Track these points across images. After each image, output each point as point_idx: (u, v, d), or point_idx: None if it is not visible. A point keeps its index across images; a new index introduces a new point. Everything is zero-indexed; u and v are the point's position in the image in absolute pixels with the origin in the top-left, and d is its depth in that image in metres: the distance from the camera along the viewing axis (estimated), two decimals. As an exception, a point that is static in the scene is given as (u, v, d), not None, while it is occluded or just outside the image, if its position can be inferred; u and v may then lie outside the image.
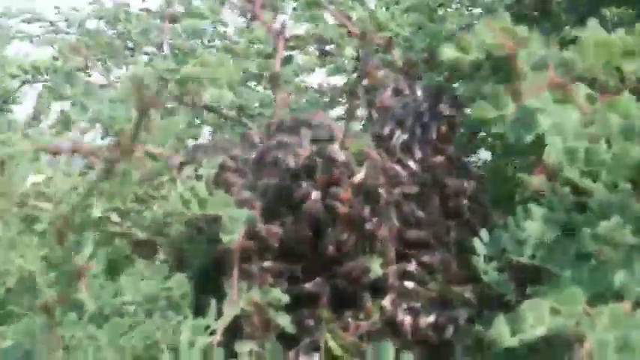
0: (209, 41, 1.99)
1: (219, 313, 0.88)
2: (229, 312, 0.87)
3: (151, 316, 0.85)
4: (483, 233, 1.01)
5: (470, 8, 2.26)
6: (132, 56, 1.92)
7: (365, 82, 0.99)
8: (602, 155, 0.82)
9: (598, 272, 0.68)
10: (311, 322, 0.98)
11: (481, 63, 0.57)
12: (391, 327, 1.00)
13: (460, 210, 1.08)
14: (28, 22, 2.31)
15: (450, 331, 0.99)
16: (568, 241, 0.78)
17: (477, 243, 1.00)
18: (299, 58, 1.62)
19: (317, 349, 0.98)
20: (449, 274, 1.04)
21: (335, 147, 0.94)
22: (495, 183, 1.36)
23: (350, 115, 0.91)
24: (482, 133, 1.56)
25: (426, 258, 1.03)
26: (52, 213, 1.11)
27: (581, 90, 0.59)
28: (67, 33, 2.43)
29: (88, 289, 0.79)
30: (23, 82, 1.76)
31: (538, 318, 0.61)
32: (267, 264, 0.96)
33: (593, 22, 0.61)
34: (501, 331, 0.60)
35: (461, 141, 1.37)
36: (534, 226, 0.78)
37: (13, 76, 1.67)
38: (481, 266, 1.00)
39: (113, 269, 1.00)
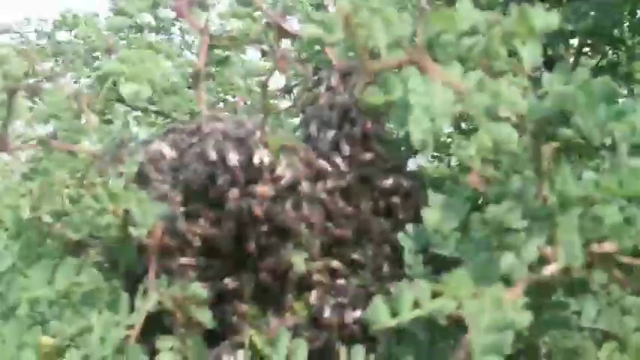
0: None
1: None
2: (143, 307, 0.86)
3: (63, 312, 0.85)
4: (410, 227, 1.01)
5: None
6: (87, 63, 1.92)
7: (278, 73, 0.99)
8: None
9: (488, 258, 0.68)
10: (235, 319, 0.97)
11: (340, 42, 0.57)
12: (317, 323, 0.99)
13: (392, 208, 1.08)
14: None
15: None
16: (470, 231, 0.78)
17: (402, 237, 1.01)
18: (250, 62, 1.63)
19: (242, 346, 0.97)
20: (377, 270, 1.03)
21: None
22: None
23: (266, 110, 0.91)
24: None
25: (351, 254, 1.02)
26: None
27: (456, 69, 0.58)
28: (38, 45, 2.44)
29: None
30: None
31: (417, 299, 0.60)
32: (186, 260, 0.95)
33: (464, 1, 0.60)
34: (380, 312, 0.60)
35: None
36: (433, 214, 0.78)
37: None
38: (407, 261, 1.00)
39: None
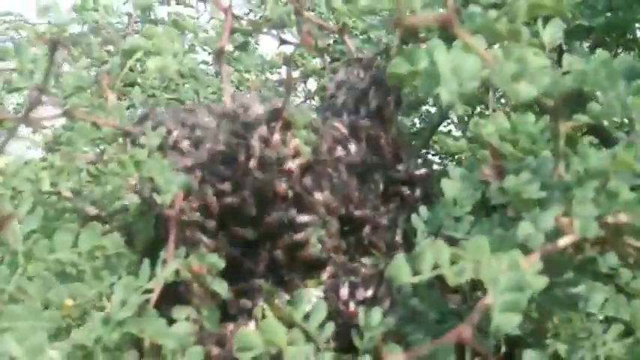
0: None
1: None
2: (163, 273, 0.88)
3: (85, 275, 0.87)
4: (422, 210, 1.03)
5: None
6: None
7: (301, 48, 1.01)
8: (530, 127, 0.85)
9: (505, 234, 0.70)
10: (249, 292, 0.99)
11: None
12: (329, 301, 1.01)
13: (405, 193, 1.10)
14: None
15: (386, 304, 1.01)
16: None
17: (415, 220, 1.03)
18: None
19: (253, 318, 0.99)
20: (390, 251, 1.05)
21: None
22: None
23: (288, 86, 0.93)
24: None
25: (365, 235, 1.04)
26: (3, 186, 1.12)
27: (481, 41, 0.61)
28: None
29: (12, 237, 0.81)
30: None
31: (438, 260, 0.62)
32: (208, 227, 0.97)
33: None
34: (401, 269, 0.62)
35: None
36: (452, 184, 0.80)
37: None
38: (419, 243, 1.02)
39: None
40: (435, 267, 0.62)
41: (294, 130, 0.97)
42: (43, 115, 1.06)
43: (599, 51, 0.75)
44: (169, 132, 0.99)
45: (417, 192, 1.12)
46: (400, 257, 0.61)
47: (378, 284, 1.01)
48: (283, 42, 1.38)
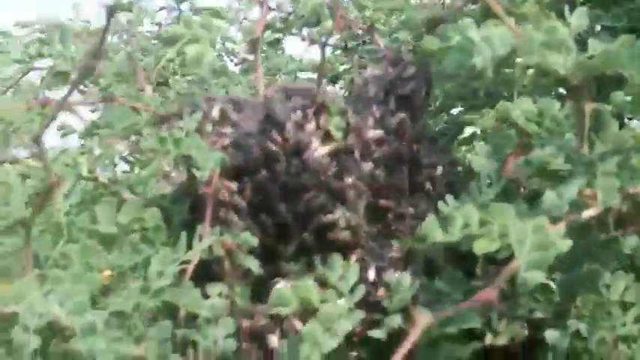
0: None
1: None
2: (199, 246, 0.91)
3: (124, 246, 0.91)
4: (448, 198, 1.06)
5: None
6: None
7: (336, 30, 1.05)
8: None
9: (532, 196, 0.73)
10: (279, 274, 1.02)
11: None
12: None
13: (431, 182, 1.13)
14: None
15: (414, 287, 1.03)
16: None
17: (442, 206, 1.06)
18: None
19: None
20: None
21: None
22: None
23: (321, 72, 0.96)
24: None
25: (391, 222, 1.07)
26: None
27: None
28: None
29: (57, 205, 0.84)
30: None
31: (467, 223, 0.65)
32: (241, 207, 1.01)
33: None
34: (432, 229, 0.65)
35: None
36: (479, 160, 0.83)
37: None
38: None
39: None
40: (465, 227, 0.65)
41: (327, 116, 1.00)
42: (83, 100, 1.11)
43: (623, 36, 0.78)
44: (206, 117, 1.03)
45: (441, 182, 1.15)
46: (431, 217, 0.64)
47: (405, 267, 1.04)
48: (313, 42, 1.42)
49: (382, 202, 1.07)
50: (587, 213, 0.73)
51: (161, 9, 1.86)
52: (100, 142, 1.13)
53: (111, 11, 0.70)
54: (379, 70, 1.19)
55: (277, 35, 1.32)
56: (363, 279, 1.03)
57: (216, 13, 1.04)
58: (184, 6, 1.68)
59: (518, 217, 0.69)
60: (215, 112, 1.01)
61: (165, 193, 1.15)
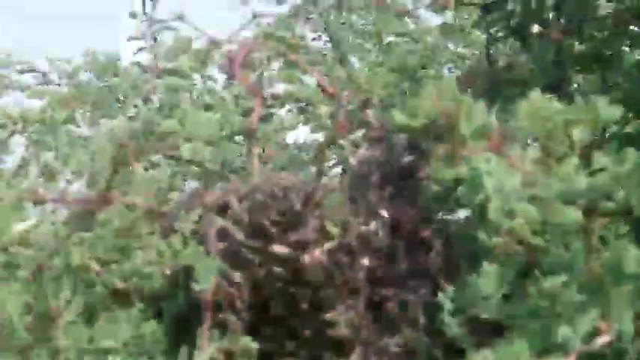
0: (198, 97, 2.04)
1: (191, 360, 0.91)
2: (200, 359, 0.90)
3: (124, 361, 0.89)
4: (449, 288, 1.05)
5: (452, 71, 2.33)
6: (120, 108, 1.96)
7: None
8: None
9: (546, 327, 0.72)
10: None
11: (428, 127, 0.62)
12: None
13: (429, 266, 1.12)
14: (22, 73, 2.36)
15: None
16: (520, 298, 0.83)
17: (442, 298, 1.04)
18: (283, 116, 1.68)
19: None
20: (416, 328, 1.07)
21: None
22: (467, 240, 1.40)
23: (319, 171, 0.95)
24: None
25: (391, 311, 1.06)
26: (32, 259, 1.14)
27: (528, 154, 0.63)
28: (59, 85, 2.48)
29: (63, 332, 0.83)
30: (12, 132, 1.80)
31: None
32: (239, 308, 0.99)
33: (534, 93, 0.65)
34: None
35: (437, 197, 1.41)
36: (487, 282, 0.82)
37: (1, 126, 1.71)
38: (446, 320, 1.03)
39: (91, 316, 1.04)
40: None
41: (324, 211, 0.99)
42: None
43: (626, 150, 0.77)
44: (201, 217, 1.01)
45: (438, 262, 1.14)
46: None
47: (406, 362, 1.03)
48: (303, 111, 1.41)
49: (382, 292, 1.06)
50: (600, 341, 0.71)
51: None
52: (94, 235, 1.11)
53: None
54: (373, 149, 1.18)
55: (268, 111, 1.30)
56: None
57: (209, 107, 1.03)
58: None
59: (531, 346, 0.68)
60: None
61: (158, 282, 1.13)
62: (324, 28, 2.40)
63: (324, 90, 1.12)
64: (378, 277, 1.06)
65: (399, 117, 0.58)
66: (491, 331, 1.03)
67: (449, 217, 1.53)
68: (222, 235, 1.00)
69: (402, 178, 1.13)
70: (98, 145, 1.21)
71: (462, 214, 1.62)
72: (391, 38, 2.56)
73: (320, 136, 1.64)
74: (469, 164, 0.66)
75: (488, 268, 0.81)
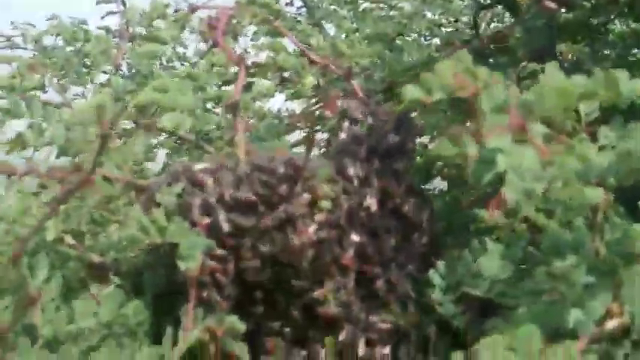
0: (168, 62, 1.98)
1: (176, 341, 0.87)
2: (184, 340, 0.86)
3: (105, 343, 0.85)
4: (440, 265, 1.02)
5: (428, 38, 2.30)
6: (88, 75, 1.91)
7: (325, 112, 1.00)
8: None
9: (553, 310, 0.69)
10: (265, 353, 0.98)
11: (443, 102, 0.58)
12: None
13: (418, 239, 1.09)
14: (-17, 37, 2.30)
15: (405, 363, 1.00)
16: (523, 277, 0.80)
17: (433, 275, 1.01)
18: (259, 84, 1.63)
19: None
20: (404, 306, 1.04)
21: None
22: (448, 213, 1.38)
23: (309, 146, 0.91)
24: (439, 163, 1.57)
25: (379, 289, 1.03)
26: (4, 235, 1.09)
27: (539, 130, 0.60)
28: (24, 49, 2.42)
29: (42, 314, 0.79)
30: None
31: (494, 357, 0.61)
32: (225, 286, 0.95)
33: (551, 65, 0.62)
34: (458, 367, 0.60)
35: (418, 169, 1.39)
36: (491, 263, 0.79)
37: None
38: (437, 298, 1.00)
39: (67, 293, 0.99)
40: None
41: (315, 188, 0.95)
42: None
43: (631, 124, 0.74)
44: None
45: (424, 238, 1.11)
46: (456, 357, 0.60)
47: (397, 342, 1.00)
48: (284, 80, 1.36)
49: (370, 270, 1.03)
50: (612, 324, 0.69)
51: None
52: (68, 208, 1.06)
53: (104, 138, 0.64)
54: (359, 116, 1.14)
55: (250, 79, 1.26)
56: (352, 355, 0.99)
57: (191, 76, 0.98)
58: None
59: (540, 327, 0.65)
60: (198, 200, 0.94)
61: (138, 261, 1.09)
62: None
63: (311, 60, 1.07)
64: (367, 254, 1.03)
65: (412, 92, 0.55)
66: (481, 309, 1.01)
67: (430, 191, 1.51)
68: (206, 209, 0.96)
69: (389, 152, 1.09)
70: (81, 115, 1.17)
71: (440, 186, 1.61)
72: (366, 4, 2.52)
73: (298, 105, 1.60)
74: (480, 142, 0.63)
75: (493, 246, 0.78)
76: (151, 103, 0.95)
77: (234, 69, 1.18)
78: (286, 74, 1.26)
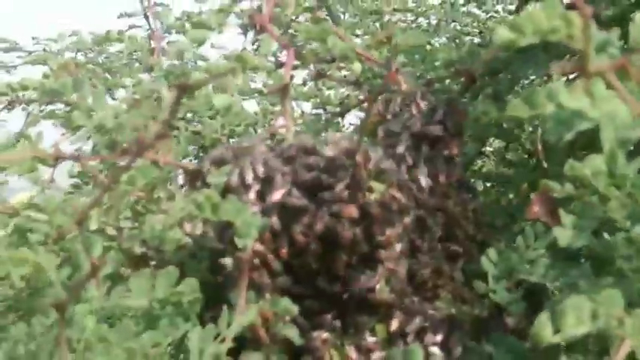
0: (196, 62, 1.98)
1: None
2: (239, 321, 0.84)
3: (159, 321, 0.83)
4: (491, 253, 1.00)
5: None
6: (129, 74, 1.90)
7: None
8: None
9: (625, 281, 0.68)
10: (317, 339, 0.95)
11: (533, 47, 0.57)
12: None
13: (464, 233, 1.08)
14: (5, 52, 2.30)
15: (458, 350, 0.98)
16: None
17: (485, 262, 1.00)
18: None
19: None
20: (457, 294, 1.02)
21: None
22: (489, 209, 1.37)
23: (365, 130, 0.90)
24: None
25: (429, 278, 1.01)
26: (48, 224, 1.08)
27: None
28: (45, 64, 2.41)
29: (99, 287, 0.77)
30: (9, 103, 1.73)
31: (579, 318, 0.59)
32: (276, 269, 0.93)
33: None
34: (544, 328, 0.58)
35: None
36: (564, 232, 0.77)
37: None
38: (490, 285, 0.99)
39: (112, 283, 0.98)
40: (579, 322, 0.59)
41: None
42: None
43: None
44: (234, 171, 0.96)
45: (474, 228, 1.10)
46: (543, 316, 0.58)
47: (449, 330, 0.98)
48: (321, 75, 1.36)
49: (420, 257, 1.01)
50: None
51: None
52: (113, 196, 1.05)
53: (181, 91, 0.62)
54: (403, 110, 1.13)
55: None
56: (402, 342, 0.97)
57: (241, 59, 0.97)
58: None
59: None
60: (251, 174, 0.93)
61: (182, 249, 1.08)
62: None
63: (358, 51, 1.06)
64: (416, 241, 1.01)
65: (503, 33, 0.53)
66: (535, 294, 1.00)
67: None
68: (259, 190, 0.95)
69: (439, 138, 1.08)
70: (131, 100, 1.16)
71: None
72: (390, 16, 2.52)
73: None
74: (555, 100, 0.61)
75: (565, 217, 0.77)
76: (201, 85, 0.93)
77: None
78: (324, 66, 1.25)
